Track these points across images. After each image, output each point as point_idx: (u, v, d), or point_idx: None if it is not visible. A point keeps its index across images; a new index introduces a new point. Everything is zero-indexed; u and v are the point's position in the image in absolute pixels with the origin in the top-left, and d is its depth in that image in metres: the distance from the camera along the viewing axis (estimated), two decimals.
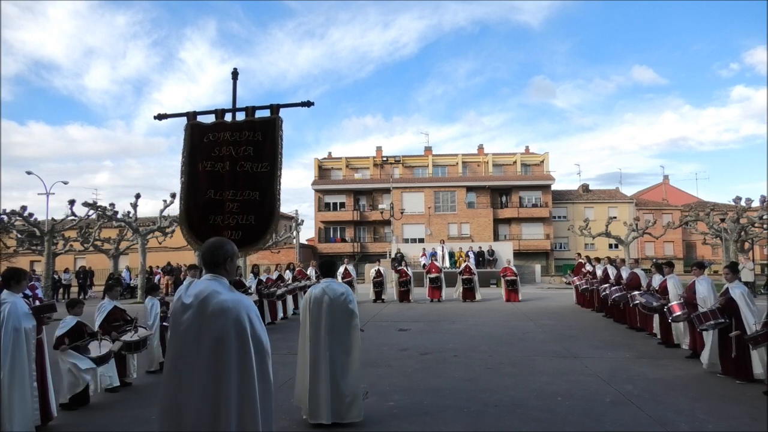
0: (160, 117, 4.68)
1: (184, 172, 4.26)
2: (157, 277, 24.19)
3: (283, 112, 4.17)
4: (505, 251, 26.87)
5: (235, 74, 4.47)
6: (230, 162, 4.11)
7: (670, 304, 7.98)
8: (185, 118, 4.45)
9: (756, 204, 20.32)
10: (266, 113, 4.20)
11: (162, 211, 22.49)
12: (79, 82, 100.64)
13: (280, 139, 4.07)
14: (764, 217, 19.87)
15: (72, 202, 20.16)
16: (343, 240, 46.16)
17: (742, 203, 20.85)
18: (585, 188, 50.39)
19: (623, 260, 13.98)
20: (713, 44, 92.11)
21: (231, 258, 2.78)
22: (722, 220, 21.85)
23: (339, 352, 4.80)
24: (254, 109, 4.27)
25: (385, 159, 48.54)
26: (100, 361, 5.76)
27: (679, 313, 7.69)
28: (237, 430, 2.48)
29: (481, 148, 50.12)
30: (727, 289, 6.65)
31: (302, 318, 5.07)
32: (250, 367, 2.53)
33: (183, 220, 4.21)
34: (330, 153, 51.40)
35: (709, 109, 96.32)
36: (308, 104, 4.21)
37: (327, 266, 5.37)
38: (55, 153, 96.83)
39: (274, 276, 14.09)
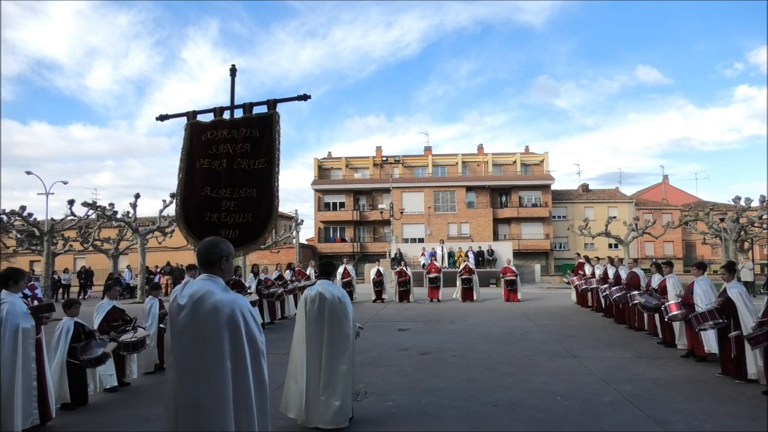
0: (161, 118, 4.68)
1: (182, 169, 4.26)
2: (156, 277, 24.17)
3: (285, 112, 4.16)
4: (504, 251, 26.88)
5: (233, 71, 4.45)
6: (227, 160, 4.09)
7: (667, 304, 7.98)
8: (185, 118, 4.45)
9: (755, 204, 20.32)
10: (264, 109, 4.18)
11: (161, 211, 22.50)
12: (81, 82, 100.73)
13: (277, 134, 4.01)
14: (764, 216, 19.87)
15: (71, 202, 20.16)
16: (343, 240, 46.14)
17: (742, 203, 20.86)
18: (585, 188, 50.37)
19: (621, 260, 13.97)
20: (717, 44, 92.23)
21: (226, 257, 2.77)
22: (722, 220, 21.87)
23: (332, 355, 4.76)
24: (252, 105, 4.23)
25: (384, 159, 48.51)
26: (96, 362, 5.73)
27: (675, 312, 7.69)
28: (232, 430, 2.48)
29: (480, 148, 50.10)
30: (725, 289, 6.65)
31: (297, 320, 5.05)
32: (244, 366, 2.53)
33: (180, 217, 4.20)
34: (330, 153, 51.45)
35: (712, 109, 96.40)
36: (305, 98, 4.14)
37: (325, 267, 5.33)
38: (57, 153, 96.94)
39: (273, 276, 14.06)
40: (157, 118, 4.69)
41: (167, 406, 2.67)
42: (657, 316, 9.05)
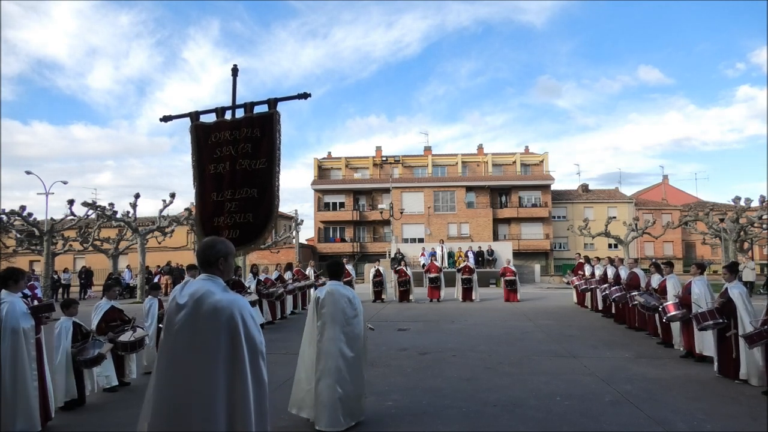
0: (165, 119, 4.66)
1: (195, 177, 4.25)
2: (156, 277, 24.15)
3: (285, 112, 4.16)
4: (504, 251, 26.88)
5: (234, 71, 4.43)
6: (230, 162, 4.09)
7: (665, 304, 7.98)
8: (188, 119, 4.44)
9: (755, 204, 20.32)
10: (264, 108, 4.17)
11: (161, 210, 22.48)
12: (82, 82, 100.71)
13: (278, 134, 4.00)
14: (763, 216, 19.88)
15: (71, 202, 20.15)
16: (343, 240, 46.15)
17: (742, 203, 20.86)
18: (584, 188, 50.40)
19: (621, 260, 13.97)
20: (719, 44, 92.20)
21: (225, 257, 2.76)
22: (721, 220, 21.89)
23: (345, 355, 4.75)
24: (252, 105, 4.22)
25: (384, 159, 48.49)
26: (91, 363, 5.71)
27: (674, 312, 7.68)
28: (228, 431, 2.47)
29: (480, 148, 50.14)
30: (727, 289, 6.64)
31: (308, 320, 5.03)
32: (242, 367, 2.52)
33: (197, 225, 4.21)
34: (330, 153, 51.48)
35: (713, 109, 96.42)
36: (305, 96, 4.12)
37: (333, 268, 5.30)
38: (58, 153, 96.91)
39: (274, 276, 14.05)
40: (161, 119, 4.67)
41: (146, 402, 2.66)
42: (657, 316, 9.05)
